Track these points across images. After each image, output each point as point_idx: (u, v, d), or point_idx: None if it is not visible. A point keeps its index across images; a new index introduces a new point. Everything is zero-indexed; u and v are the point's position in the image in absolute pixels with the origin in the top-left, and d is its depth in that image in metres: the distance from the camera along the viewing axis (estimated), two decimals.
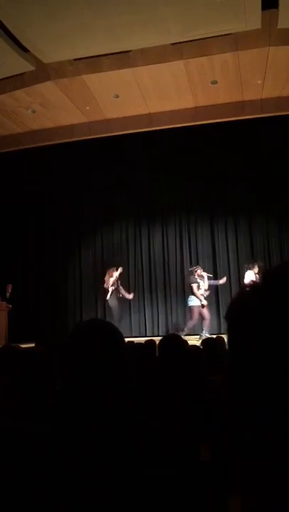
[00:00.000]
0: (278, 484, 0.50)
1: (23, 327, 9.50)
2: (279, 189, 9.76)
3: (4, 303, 8.76)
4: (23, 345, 3.76)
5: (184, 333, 8.02)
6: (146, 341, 4.08)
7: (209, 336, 7.20)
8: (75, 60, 7.55)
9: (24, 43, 6.99)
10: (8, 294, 9.72)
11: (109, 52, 7.36)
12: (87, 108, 8.92)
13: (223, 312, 9.01)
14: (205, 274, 8.83)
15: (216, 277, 9.43)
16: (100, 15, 6.15)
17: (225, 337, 3.30)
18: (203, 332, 8.42)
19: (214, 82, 8.13)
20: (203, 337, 7.41)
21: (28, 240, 11.15)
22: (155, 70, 7.62)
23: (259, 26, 6.62)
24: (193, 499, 0.90)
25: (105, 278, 9.28)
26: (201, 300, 8.57)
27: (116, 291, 9.11)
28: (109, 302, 9.19)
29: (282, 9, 6.37)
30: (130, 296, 9.43)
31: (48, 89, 8.09)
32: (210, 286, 8.90)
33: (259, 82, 8.14)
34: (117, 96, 8.48)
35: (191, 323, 8.76)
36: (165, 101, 8.70)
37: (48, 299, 10.74)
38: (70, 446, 0.86)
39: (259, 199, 9.96)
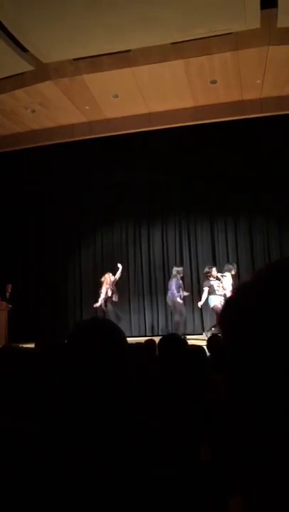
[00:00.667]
0: (278, 484, 0.50)
1: (23, 327, 9.51)
2: (279, 189, 9.76)
3: (4, 303, 8.76)
4: (23, 345, 3.75)
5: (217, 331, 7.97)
6: (146, 341, 4.08)
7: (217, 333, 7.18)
8: (75, 59, 7.55)
9: (24, 43, 6.98)
10: (8, 294, 9.70)
11: (109, 51, 7.36)
12: (87, 108, 8.92)
13: None
14: (220, 275, 8.77)
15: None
16: (100, 15, 6.14)
17: None
18: (212, 329, 8.41)
19: (214, 82, 8.13)
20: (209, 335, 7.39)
21: (28, 240, 11.14)
22: (155, 69, 7.62)
23: (258, 26, 6.61)
24: (194, 499, 0.90)
25: (103, 283, 9.22)
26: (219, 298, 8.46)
27: (110, 296, 9.07)
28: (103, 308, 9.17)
29: (281, 8, 6.36)
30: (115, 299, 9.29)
31: (48, 89, 8.09)
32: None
33: (258, 81, 8.14)
34: (116, 96, 8.48)
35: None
36: (165, 100, 8.70)
37: (48, 299, 10.75)
38: (70, 446, 0.86)
39: (259, 199, 9.96)
